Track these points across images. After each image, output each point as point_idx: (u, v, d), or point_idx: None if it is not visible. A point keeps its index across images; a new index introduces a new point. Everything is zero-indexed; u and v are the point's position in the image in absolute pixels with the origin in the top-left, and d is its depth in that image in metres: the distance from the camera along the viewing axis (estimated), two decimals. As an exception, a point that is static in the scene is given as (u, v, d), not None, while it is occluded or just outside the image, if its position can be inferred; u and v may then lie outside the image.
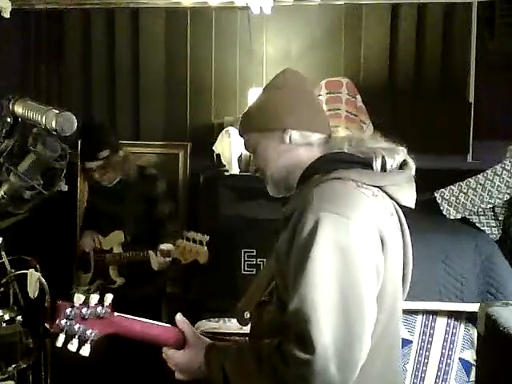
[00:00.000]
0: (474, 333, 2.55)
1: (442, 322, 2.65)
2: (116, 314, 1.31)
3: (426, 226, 2.67)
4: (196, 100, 3.81)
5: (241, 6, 3.69)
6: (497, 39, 3.55)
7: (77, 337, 1.25)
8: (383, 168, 1.36)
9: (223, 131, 3.41)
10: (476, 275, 2.58)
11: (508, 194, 2.79)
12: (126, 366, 2.95)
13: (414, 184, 1.41)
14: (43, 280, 2.36)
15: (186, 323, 1.42)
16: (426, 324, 2.65)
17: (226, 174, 3.32)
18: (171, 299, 3.37)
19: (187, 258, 2.62)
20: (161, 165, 3.63)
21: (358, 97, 3.24)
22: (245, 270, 2.93)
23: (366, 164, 1.36)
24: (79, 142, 2.99)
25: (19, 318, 2.38)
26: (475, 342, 2.51)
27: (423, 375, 2.66)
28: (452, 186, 2.91)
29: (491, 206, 2.86)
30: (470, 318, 2.61)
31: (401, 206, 1.39)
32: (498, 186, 2.78)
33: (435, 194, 2.91)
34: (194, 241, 2.57)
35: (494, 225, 2.93)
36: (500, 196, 2.79)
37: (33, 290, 2.37)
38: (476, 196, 2.82)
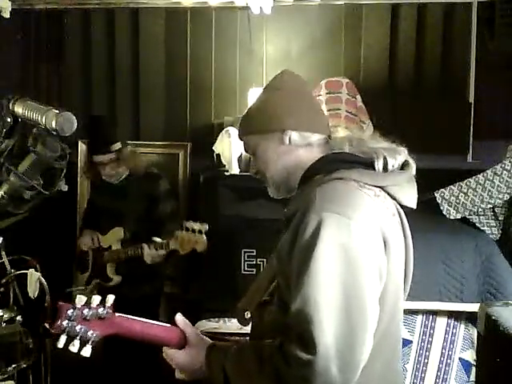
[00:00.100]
0: (474, 333, 2.55)
1: (441, 322, 2.65)
2: (117, 314, 1.30)
3: (426, 226, 2.67)
4: (196, 100, 3.81)
5: (241, 6, 3.69)
6: (497, 39, 3.55)
7: (78, 338, 1.25)
8: (385, 168, 1.36)
9: (223, 131, 3.41)
10: (476, 275, 2.58)
11: (508, 193, 2.79)
12: (125, 366, 2.95)
13: (416, 184, 1.41)
14: (43, 280, 2.36)
15: (187, 323, 1.42)
16: (426, 324, 2.65)
17: (226, 173, 3.32)
18: (170, 299, 3.37)
19: (185, 249, 2.63)
20: (161, 165, 3.63)
21: (358, 97, 3.24)
22: (245, 270, 2.93)
23: (368, 164, 1.35)
24: (77, 141, 2.99)
25: (19, 318, 2.37)
26: (475, 342, 2.51)
27: (423, 375, 2.66)
28: (452, 186, 2.91)
29: (491, 206, 2.86)
30: (470, 318, 2.61)
31: (402, 207, 1.39)
32: (498, 185, 2.78)
33: (435, 194, 2.90)
34: (193, 230, 2.58)
35: (494, 225, 2.93)
36: (500, 196, 2.79)
37: (33, 290, 2.37)
38: (476, 196, 2.82)
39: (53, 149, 1.60)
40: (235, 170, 3.31)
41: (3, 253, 2.59)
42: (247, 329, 1.48)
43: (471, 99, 3.62)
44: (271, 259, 1.49)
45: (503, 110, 3.63)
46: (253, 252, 2.92)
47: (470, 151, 3.62)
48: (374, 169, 1.35)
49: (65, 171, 1.65)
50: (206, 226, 2.60)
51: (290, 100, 1.44)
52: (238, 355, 1.31)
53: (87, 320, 1.26)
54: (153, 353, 2.62)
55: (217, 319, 2.78)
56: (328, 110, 3.08)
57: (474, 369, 2.62)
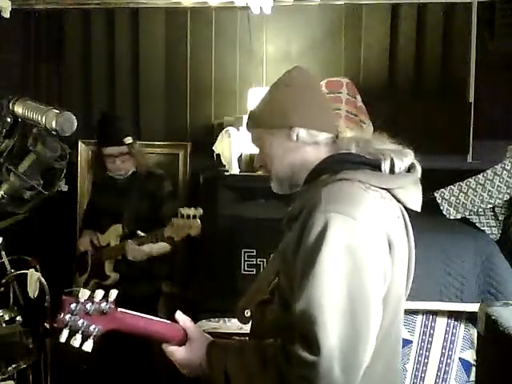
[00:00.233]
0: (474, 333, 2.55)
1: (441, 322, 2.65)
2: (119, 309, 1.30)
3: (426, 226, 2.66)
4: (196, 100, 3.81)
5: (241, 6, 3.69)
6: (497, 39, 3.55)
7: (80, 332, 1.25)
8: (391, 170, 1.35)
9: (223, 131, 3.41)
10: (476, 275, 2.58)
11: (508, 193, 2.78)
12: (124, 366, 2.95)
13: (421, 187, 1.40)
14: (43, 280, 2.36)
15: (188, 320, 1.42)
16: (426, 324, 2.65)
17: (226, 173, 3.32)
18: (169, 299, 3.36)
19: (180, 235, 2.65)
20: (161, 165, 3.63)
21: (358, 97, 3.24)
22: (245, 270, 2.93)
23: (374, 166, 1.35)
24: (77, 141, 3.00)
25: (19, 318, 2.38)
26: (475, 342, 2.50)
27: (423, 375, 2.66)
28: (452, 186, 2.91)
29: (491, 206, 2.86)
30: (470, 318, 2.61)
31: (406, 209, 1.38)
32: (498, 185, 2.78)
33: (435, 194, 2.90)
34: (188, 216, 2.60)
35: (494, 225, 2.93)
36: (500, 196, 2.79)
37: (33, 290, 2.37)
38: (476, 196, 2.82)
39: (53, 149, 1.60)
40: (235, 169, 3.31)
41: (3, 253, 2.60)
42: (247, 329, 1.48)
43: (471, 99, 3.62)
44: (273, 258, 1.49)
45: (503, 109, 3.63)
46: (253, 252, 2.92)
47: (470, 151, 3.62)
48: (380, 170, 1.35)
49: (65, 171, 1.65)
50: (201, 211, 2.63)
51: (298, 97, 1.42)
52: (239, 354, 1.31)
53: (89, 315, 1.25)
54: (151, 353, 2.63)
55: (217, 319, 2.79)
56: (328, 110, 3.08)
57: (473, 369, 2.62)
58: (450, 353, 2.65)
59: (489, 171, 2.82)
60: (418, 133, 3.49)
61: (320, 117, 1.43)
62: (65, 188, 1.68)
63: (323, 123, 1.43)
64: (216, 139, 3.44)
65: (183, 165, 3.81)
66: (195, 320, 1.44)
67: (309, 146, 1.41)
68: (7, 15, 3.08)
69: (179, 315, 1.42)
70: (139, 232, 2.82)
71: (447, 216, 2.89)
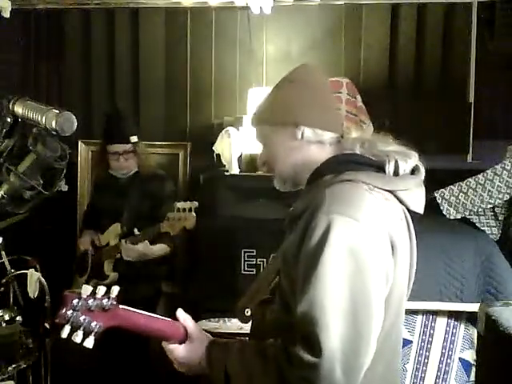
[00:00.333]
0: (474, 333, 2.55)
1: (441, 322, 2.65)
2: (121, 306, 1.30)
3: (426, 226, 2.66)
4: (196, 100, 3.81)
5: (241, 6, 3.69)
6: (497, 39, 3.55)
7: (82, 328, 1.24)
8: (395, 172, 1.34)
9: (223, 131, 3.41)
10: (476, 275, 2.58)
11: (508, 193, 2.78)
12: (122, 365, 2.95)
13: (424, 189, 1.39)
14: (43, 280, 2.36)
15: (189, 318, 1.41)
16: (426, 324, 2.65)
17: (226, 173, 3.31)
18: (169, 299, 3.36)
19: (176, 228, 2.66)
20: (161, 165, 3.63)
21: (358, 97, 3.24)
22: (245, 270, 2.93)
23: (378, 167, 1.34)
24: (77, 141, 3.01)
25: (19, 318, 2.38)
26: (475, 342, 2.50)
27: (423, 375, 2.66)
28: (452, 186, 2.91)
29: (491, 206, 2.86)
30: (470, 318, 2.61)
31: (409, 211, 1.37)
32: (498, 185, 2.78)
33: (435, 194, 2.90)
34: (184, 210, 2.62)
35: (494, 225, 2.93)
36: (500, 196, 2.79)
37: (33, 290, 2.37)
38: (476, 196, 2.82)
39: (53, 149, 1.60)
40: (235, 169, 3.31)
41: (3, 253, 2.60)
42: (247, 329, 1.48)
43: (471, 99, 3.62)
44: (274, 258, 1.48)
45: (503, 109, 3.64)
46: (253, 252, 2.92)
47: (470, 151, 3.62)
48: (384, 172, 1.34)
49: (65, 171, 1.65)
50: (196, 203, 2.64)
51: (305, 95, 1.41)
52: (239, 354, 1.31)
53: (91, 311, 1.25)
54: (147, 352, 2.62)
55: (217, 319, 2.78)
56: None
57: (473, 369, 2.62)
58: (450, 353, 2.65)
59: (489, 171, 2.82)
60: (418, 133, 3.50)
61: (326, 116, 1.42)
62: (65, 188, 1.68)
63: (329, 122, 1.42)
64: (216, 139, 3.44)
65: (183, 165, 3.81)
66: (195, 320, 1.44)
67: (313, 145, 1.40)
68: (7, 15, 3.08)
69: (180, 313, 1.41)
70: (136, 231, 2.83)
71: (447, 216, 2.89)
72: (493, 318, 1.61)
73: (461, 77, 3.64)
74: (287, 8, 3.69)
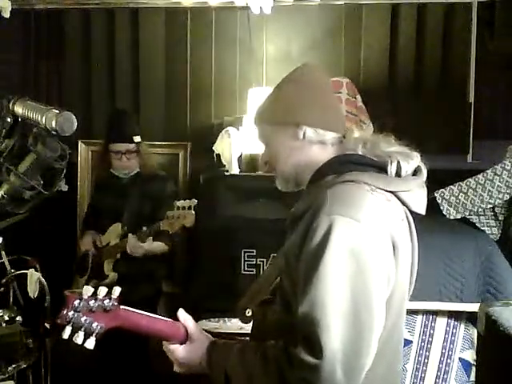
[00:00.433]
0: (474, 333, 2.55)
1: (441, 322, 2.65)
2: (122, 307, 1.30)
3: (426, 226, 2.66)
4: (196, 100, 3.81)
5: (241, 6, 3.69)
6: (497, 39, 3.55)
7: (83, 329, 1.24)
8: (397, 173, 1.34)
9: (223, 131, 3.41)
10: (476, 275, 2.58)
11: (508, 193, 2.78)
12: (124, 365, 2.95)
13: (426, 190, 1.39)
14: (43, 280, 2.36)
15: (190, 319, 1.41)
16: (426, 324, 2.65)
17: (226, 173, 3.32)
18: (170, 299, 3.36)
19: (175, 227, 2.66)
20: (161, 165, 3.63)
21: (358, 97, 3.24)
22: (245, 270, 2.93)
23: (380, 168, 1.34)
24: (77, 141, 3.01)
25: (19, 318, 2.38)
26: (475, 342, 2.50)
27: (423, 375, 2.66)
28: (452, 186, 2.91)
29: (491, 206, 2.86)
30: (470, 318, 2.61)
31: (410, 212, 1.37)
32: (498, 186, 2.78)
33: (435, 194, 2.90)
34: (183, 208, 2.63)
35: (494, 225, 2.93)
36: (500, 196, 2.79)
37: (33, 290, 2.37)
38: (476, 196, 2.82)
39: (53, 149, 1.60)
40: (235, 169, 3.31)
41: (3, 253, 2.60)
42: (248, 329, 1.48)
43: (471, 99, 3.62)
44: (275, 258, 1.48)
45: (503, 110, 3.63)
46: (253, 252, 2.92)
47: (470, 151, 3.62)
48: (386, 173, 1.33)
49: (65, 171, 1.65)
50: (195, 201, 2.64)
51: (306, 94, 1.40)
52: (240, 355, 1.31)
53: (93, 312, 1.25)
54: (146, 352, 2.62)
55: (217, 319, 2.78)
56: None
57: (473, 369, 2.62)
58: (450, 353, 2.65)
59: (489, 171, 2.82)
60: (418, 133, 3.50)
61: (328, 116, 1.41)
62: (65, 188, 1.68)
63: (331, 122, 1.41)
64: (216, 139, 3.44)
65: (183, 165, 3.81)
66: (195, 320, 1.44)
67: (315, 145, 1.39)
68: (7, 15, 3.08)
69: (181, 314, 1.41)
70: (144, 228, 2.82)
71: (447, 216, 2.89)
72: (493, 318, 1.61)
73: (461, 77, 3.64)
74: (287, 8, 3.69)
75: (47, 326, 2.31)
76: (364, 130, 3.04)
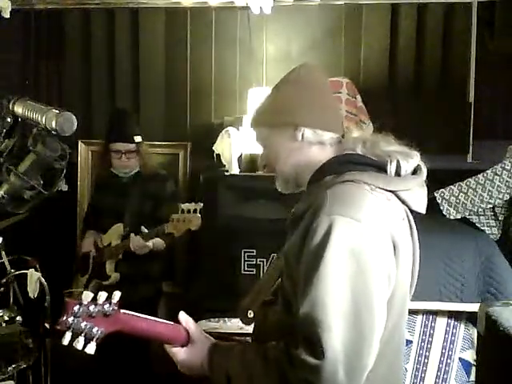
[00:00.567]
0: (474, 333, 2.55)
1: (441, 322, 2.65)
2: (122, 311, 1.30)
3: (426, 226, 2.65)
4: (196, 100, 3.81)
5: (241, 6, 3.69)
6: (497, 39, 3.55)
7: (83, 335, 1.24)
8: (397, 172, 1.34)
9: (223, 131, 3.40)
10: (476, 275, 2.58)
11: (508, 193, 2.78)
12: (124, 367, 2.95)
13: (426, 189, 1.39)
14: (43, 280, 2.36)
15: (191, 321, 1.41)
16: (426, 324, 2.65)
17: (226, 173, 3.31)
18: (170, 299, 3.37)
19: (180, 229, 2.66)
20: (161, 165, 3.63)
21: (358, 97, 3.24)
22: (245, 270, 2.93)
23: (380, 167, 1.33)
24: (77, 141, 3.00)
25: (19, 318, 2.38)
26: (475, 342, 2.50)
27: (423, 375, 2.66)
28: (452, 186, 2.91)
29: (491, 205, 2.86)
30: (470, 318, 2.61)
31: (411, 211, 1.37)
32: (498, 186, 2.78)
33: (435, 194, 2.90)
34: (189, 211, 2.62)
35: (494, 225, 2.93)
36: (500, 196, 2.79)
37: (33, 290, 2.38)
38: (476, 196, 2.82)
39: (53, 149, 1.59)
40: (235, 169, 3.31)
41: (3, 253, 2.60)
42: (248, 329, 1.48)
43: (471, 99, 3.62)
44: (276, 258, 1.47)
45: (503, 110, 3.64)
46: (253, 252, 2.92)
47: (470, 151, 3.62)
48: (385, 172, 1.33)
49: (65, 171, 1.65)
50: (201, 205, 2.64)
51: (304, 95, 1.39)
52: (241, 356, 1.31)
53: (92, 317, 1.25)
54: (147, 354, 2.62)
55: (217, 319, 2.78)
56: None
57: (473, 369, 2.62)
58: (450, 353, 2.65)
59: (489, 171, 2.82)
60: (418, 133, 3.50)
61: (326, 116, 1.40)
62: (65, 188, 1.68)
63: (329, 123, 1.40)
64: (216, 139, 3.44)
65: (183, 165, 3.81)
66: (196, 320, 1.44)
67: (314, 146, 1.39)
68: (7, 15, 3.09)
69: (182, 316, 1.41)
70: (143, 228, 2.82)
71: (447, 216, 2.89)
72: (493, 318, 1.61)
73: (461, 77, 3.64)
74: (287, 8, 3.69)
75: (47, 325, 2.31)
76: (364, 129, 3.05)
